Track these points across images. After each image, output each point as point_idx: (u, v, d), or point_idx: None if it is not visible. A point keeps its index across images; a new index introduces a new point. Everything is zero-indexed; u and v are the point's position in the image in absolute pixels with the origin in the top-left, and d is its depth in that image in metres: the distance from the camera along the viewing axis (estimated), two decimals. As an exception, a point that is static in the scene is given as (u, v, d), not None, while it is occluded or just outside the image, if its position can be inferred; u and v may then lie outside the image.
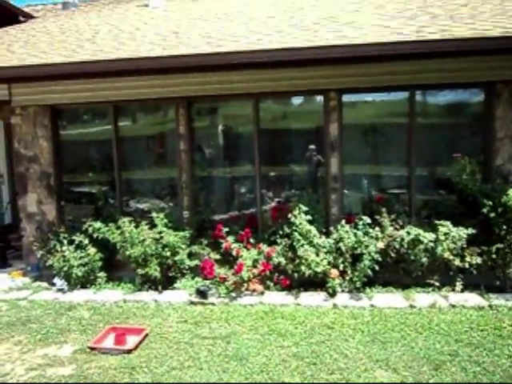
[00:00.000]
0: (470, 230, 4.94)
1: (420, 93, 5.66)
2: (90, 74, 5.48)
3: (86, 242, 5.71)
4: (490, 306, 4.70)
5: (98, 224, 5.73)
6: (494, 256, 4.97)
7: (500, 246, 4.96)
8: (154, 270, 5.43)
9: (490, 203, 4.88)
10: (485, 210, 4.91)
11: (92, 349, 4.23)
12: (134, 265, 5.60)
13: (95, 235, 5.68)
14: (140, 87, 5.85)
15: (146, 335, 4.45)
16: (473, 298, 4.88)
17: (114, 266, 5.95)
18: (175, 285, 5.57)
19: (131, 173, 6.49)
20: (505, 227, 4.90)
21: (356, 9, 6.20)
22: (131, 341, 4.29)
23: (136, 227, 5.62)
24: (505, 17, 5.14)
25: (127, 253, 5.53)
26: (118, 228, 5.68)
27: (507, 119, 5.36)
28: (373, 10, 6.02)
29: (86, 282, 5.78)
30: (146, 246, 5.45)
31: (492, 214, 4.89)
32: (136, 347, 4.23)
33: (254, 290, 5.26)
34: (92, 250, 5.68)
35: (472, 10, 5.54)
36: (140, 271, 5.53)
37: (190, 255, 5.69)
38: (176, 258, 5.53)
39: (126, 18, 7.59)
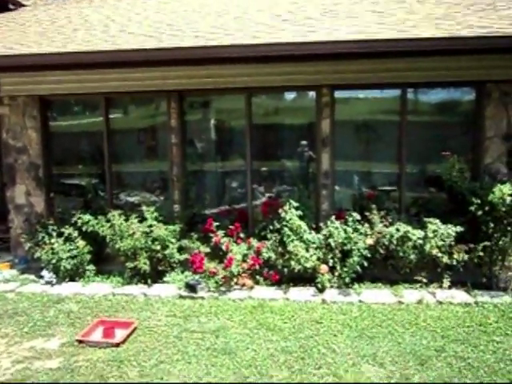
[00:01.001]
0: (459, 228, 4.98)
1: (412, 90, 5.69)
2: (80, 64, 5.41)
3: (75, 234, 5.66)
4: (476, 303, 4.77)
5: (87, 216, 5.68)
6: (480, 254, 5.03)
7: (487, 243, 5.02)
8: (144, 264, 5.41)
9: (478, 201, 4.93)
10: (472, 208, 4.96)
11: (80, 342, 4.21)
12: (123, 258, 5.57)
13: (84, 228, 5.64)
14: (131, 79, 5.78)
15: (135, 329, 4.45)
16: (459, 295, 4.95)
17: (104, 259, 5.93)
18: (165, 278, 5.56)
19: (122, 165, 6.44)
20: (492, 225, 4.96)
21: (352, 3, 6.20)
22: (120, 334, 4.28)
23: (126, 220, 5.59)
24: (495, 16, 5.18)
25: (117, 246, 5.50)
26: (108, 221, 5.64)
27: (497, 118, 5.41)
28: (367, 7, 6.03)
29: (74, 275, 5.74)
30: (136, 239, 5.42)
31: (479, 212, 4.94)
32: (124, 340, 4.22)
33: (243, 285, 5.27)
34: (81, 243, 5.64)
35: (465, 8, 5.57)
36: (129, 264, 5.51)
37: (180, 249, 5.68)
38: (166, 252, 5.52)
39: (118, 8, 7.49)
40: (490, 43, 4.70)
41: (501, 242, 5.01)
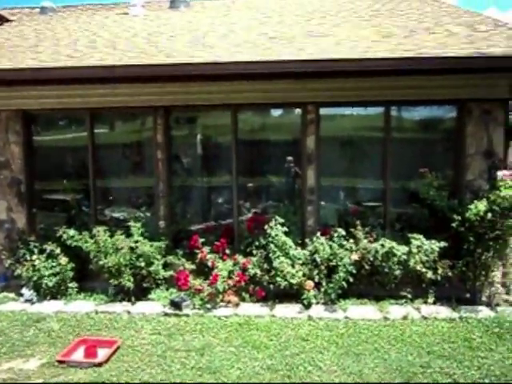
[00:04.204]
0: (442, 243, 5.04)
1: (395, 108, 5.79)
2: (64, 80, 5.41)
3: (58, 251, 5.55)
4: (461, 318, 4.80)
5: (71, 231, 5.59)
6: (463, 269, 5.09)
7: (469, 259, 5.08)
8: (128, 281, 5.33)
9: (459, 218, 5.00)
10: (454, 225, 5.03)
11: (60, 362, 4.10)
12: (107, 275, 5.47)
13: (68, 242, 5.52)
14: (117, 95, 5.78)
15: (118, 347, 4.35)
16: (444, 310, 4.98)
17: (87, 276, 5.81)
18: (149, 296, 5.47)
19: (107, 181, 6.38)
20: (473, 241, 5.02)
21: (334, 25, 6.34)
22: (102, 353, 4.18)
23: (111, 237, 5.51)
24: (477, 38, 5.36)
25: (100, 262, 5.41)
26: (92, 237, 5.56)
27: (478, 136, 5.53)
28: (350, 28, 6.17)
29: (56, 293, 5.61)
30: (121, 256, 5.34)
31: (461, 229, 5.01)
32: (107, 360, 4.12)
33: (229, 302, 5.22)
34: (64, 260, 5.53)
35: (446, 31, 5.75)
36: (113, 282, 5.41)
37: (165, 266, 5.61)
38: (151, 269, 5.44)
39: (104, 25, 7.53)
40: (469, 63, 4.84)
41: (483, 258, 5.08)
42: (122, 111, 6.17)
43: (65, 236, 5.55)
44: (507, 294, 5.41)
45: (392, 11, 7.04)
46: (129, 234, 5.56)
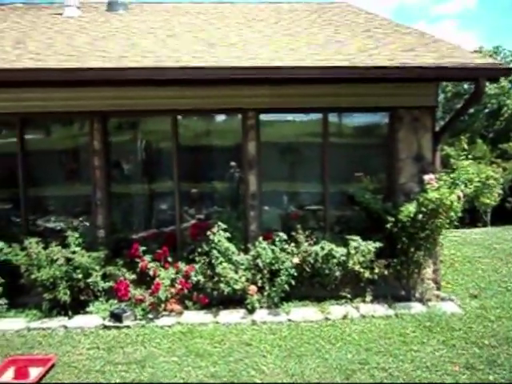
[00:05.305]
0: (378, 244, 5.28)
1: (334, 114, 6.00)
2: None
3: (-16, 265, 5.18)
4: (396, 315, 5.04)
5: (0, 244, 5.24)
6: (398, 268, 5.36)
7: (403, 258, 5.36)
8: (64, 294, 5.07)
9: (393, 219, 5.27)
10: (388, 226, 5.29)
11: (-13, 385, 3.82)
12: (41, 289, 5.18)
13: (-4, 257, 5.18)
14: (49, 99, 5.52)
15: (53, 365, 4.12)
16: (381, 308, 5.20)
17: (18, 291, 5.45)
18: (87, 309, 5.24)
19: (40, 189, 6.04)
20: (406, 241, 5.31)
21: (272, 33, 6.47)
22: (34, 373, 3.94)
23: (45, 248, 5.22)
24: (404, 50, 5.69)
25: (33, 276, 5.11)
26: (24, 249, 5.24)
27: (408, 141, 5.86)
28: (287, 36, 6.32)
29: (-17, 311, 5.23)
30: (55, 268, 5.08)
31: (395, 229, 5.28)
32: (40, 379, 3.89)
33: (171, 310, 5.12)
34: (-9, 275, 5.18)
35: (376, 41, 6.06)
36: (48, 296, 5.13)
37: (105, 276, 5.40)
38: (89, 280, 5.21)
39: (36, 25, 7.16)
40: (392, 73, 5.12)
41: (416, 256, 5.38)
42: (55, 117, 5.89)
43: (-9, 250, 5.19)
44: (438, 289, 5.76)
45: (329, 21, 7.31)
46: (65, 245, 5.31)
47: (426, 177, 5.28)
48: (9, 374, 3.99)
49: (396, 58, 5.30)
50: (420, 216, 5.13)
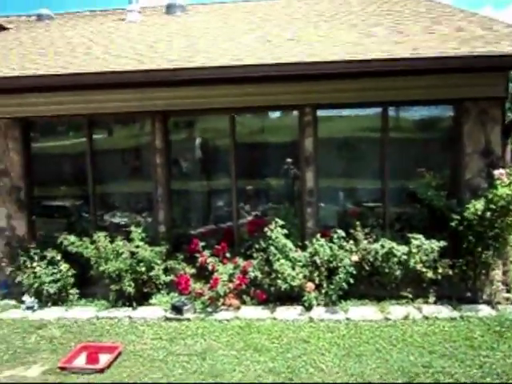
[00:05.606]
0: (442, 243, 5.04)
1: (393, 108, 5.80)
2: (62, 87, 5.42)
3: (59, 257, 5.56)
4: (462, 318, 4.80)
5: (72, 238, 5.59)
6: (464, 268, 5.09)
7: (469, 258, 5.09)
8: (129, 286, 5.33)
9: (458, 217, 5.00)
10: (453, 224, 5.03)
11: (62, 369, 4.10)
12: (107, 280, 5.49)
13: (69, 249, 5.52)
14: (114, 100, 5.77)
15: (120, 353, 4.35)
16: (445, 310, 4.97)
17: (88, 282, 5.81)
18: (150, 301, 5.48)
19: (106, 186, 6.39)
20: (473, 240, 5.03)
21: (329, 27, 6.36)
22: (104, 359, 4.18)
23: (111, 242, 5.52)
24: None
25: (101, 268, 5.42)
26: (93, 243, 5.57)
27: (475, 135, 5.54)
28: (346, 29, 6.19)
29: (57, 300, 5.61)
30: (121, 261, 5.35)
31: (460, 228, 5.01)
32: (109, 366, 4.12)
33: (230, 305, 5.22)
34: (64, 266, 5.54)
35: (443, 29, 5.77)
36: (114, 287, 5.42)
37: (166, 270, 5.61)
38: (151, 274, 5.44)
39: (101, 31, 7.56)
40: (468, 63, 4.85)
41: (483, 256, 5.08)
42: (120, 117, 6.19)
43: (65, 242, 5.56)
44: (508, 292, 5.40)
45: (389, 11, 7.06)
46: (129, 240, 5.57)
47: (496, 172, 4.96)
48: (81, 359, 4.27)
49: (463, 46, 5.02)
50: (488, 214, 4.83)
